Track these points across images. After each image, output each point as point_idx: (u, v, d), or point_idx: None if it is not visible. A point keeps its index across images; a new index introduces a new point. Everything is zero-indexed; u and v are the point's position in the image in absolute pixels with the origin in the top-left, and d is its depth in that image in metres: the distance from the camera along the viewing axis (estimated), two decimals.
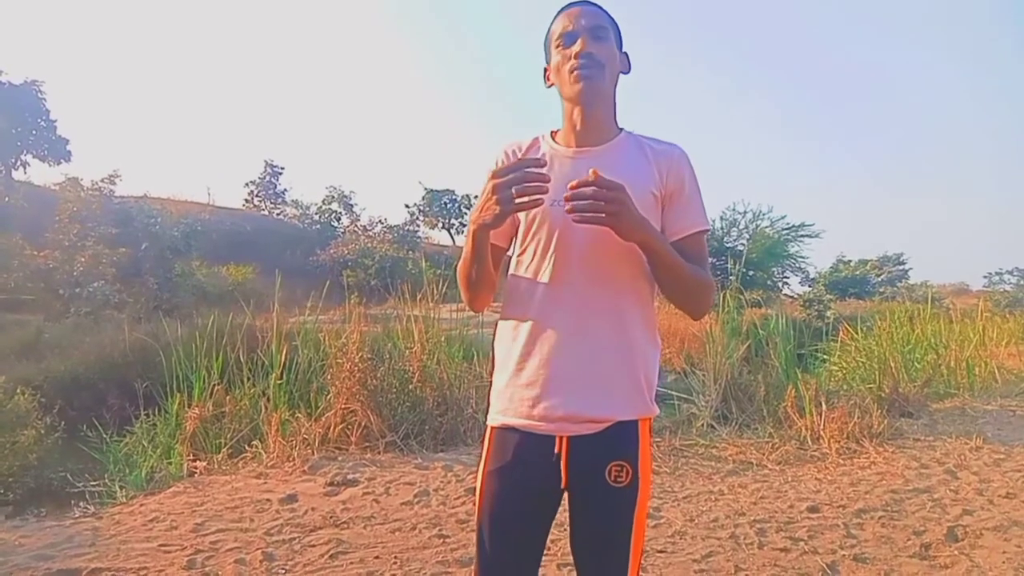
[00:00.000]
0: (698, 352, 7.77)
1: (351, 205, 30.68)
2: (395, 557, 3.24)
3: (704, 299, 1.59)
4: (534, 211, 1.50)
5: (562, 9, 1.58)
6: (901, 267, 32.32)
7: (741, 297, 8.41)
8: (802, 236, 21.82)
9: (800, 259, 22.44)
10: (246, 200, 31.56)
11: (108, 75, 57.93)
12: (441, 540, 3.44)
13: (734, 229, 22.26)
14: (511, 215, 1.41)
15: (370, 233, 28.46)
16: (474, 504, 1.63)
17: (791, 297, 21.49)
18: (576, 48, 1.51)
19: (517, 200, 1.35)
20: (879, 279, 30.54)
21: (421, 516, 3.79)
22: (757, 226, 21.96)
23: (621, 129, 1.61)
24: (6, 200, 17.38)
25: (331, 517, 3.75)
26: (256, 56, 66.04)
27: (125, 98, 57.28)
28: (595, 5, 1.58)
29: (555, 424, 1.49)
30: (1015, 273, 33.89)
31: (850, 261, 31.99)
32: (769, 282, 21.41)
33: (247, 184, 31.69)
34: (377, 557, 3.24)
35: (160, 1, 62.55)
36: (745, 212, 22.06)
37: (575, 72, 1.51)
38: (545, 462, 1.49)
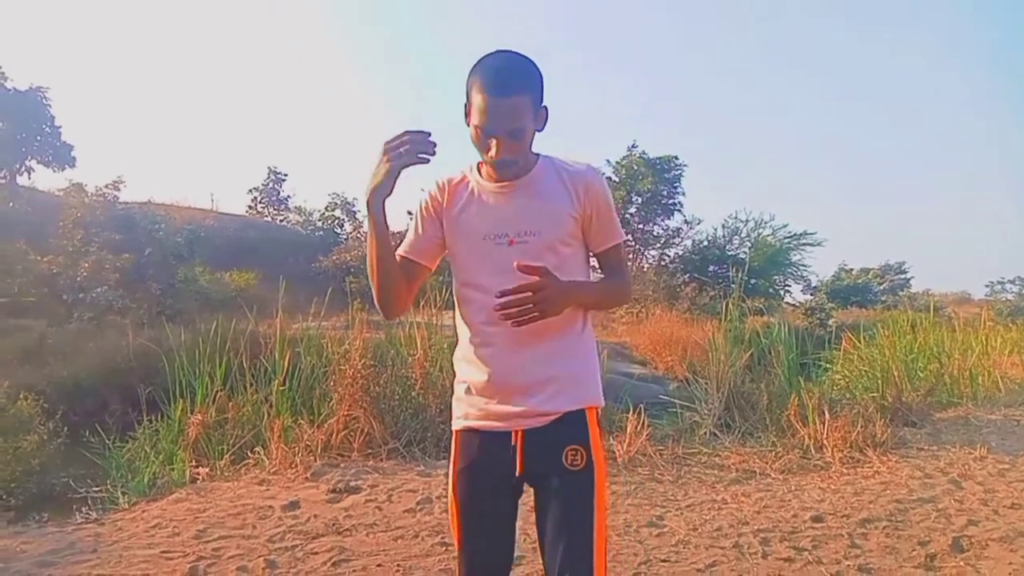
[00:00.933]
0: (700, 360, 7.75)
1: (354, 212, 30.63)
2: (398, 565, 3.23)
3: (625, 299, 1.90)
4: (469, 243, 1.69)
5: (485, 81, 1.56)
6: (903, 276, 32.32)
7: (743, 305, 8.41)
8: (804, 244, 21.82)
9: (802, 267, 22.42)
10: (249, 206, 31.62)
11: (113, 81, 58.15)
12: (444, 548, 3.43)
13: (736, 237, 22.28)
14: (398, 173, 1.56)
15: None
16: (449, 514, 1.77)
17: (793, 305, 21.47)
18: (492, 152, 1.60)
19: (411, 157, 1.54)
20: (881, 288, 30.51)
21: (424, 524, 3.78)
22: (759, 234, 21.97)
23: (538, 156, 1.72)
24: (10, 205, 17.43)
25: (334, 524, 3.75)
26: (260, 63, 66.33)
27: (129, 104, 57.52)
28: (516, 84, 1.56)
29: (510, 421, 1.66)
30: (1017, 282, 33.88)
31: (852, 269, 31.98)
32: (771, 290, 21.38)
33: (250, 190, 31.76)
34: (380, 565, 3.23)
35: (165, 7, 62.84)
36: (747, 220, 22.09)
37: (491, 166, 1.66)
38: (504, 455, 1.66)
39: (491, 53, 1.62)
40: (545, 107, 1.66)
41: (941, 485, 4.42)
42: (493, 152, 1.60)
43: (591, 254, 1.79)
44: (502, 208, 1.68)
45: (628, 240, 22.80)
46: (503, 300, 1.53)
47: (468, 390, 1.73)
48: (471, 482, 1.70)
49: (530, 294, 1.53)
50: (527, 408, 1.65)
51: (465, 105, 1.64)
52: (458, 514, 1.72)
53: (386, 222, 1.65)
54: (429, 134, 1.55)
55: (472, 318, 1.72)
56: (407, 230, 1.79)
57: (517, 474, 1.65)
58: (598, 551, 1.61)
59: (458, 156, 1.83)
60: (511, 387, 1.67)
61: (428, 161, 1.55)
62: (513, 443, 1.65)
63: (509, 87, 1.55)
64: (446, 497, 4.15)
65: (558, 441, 1.65)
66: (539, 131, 1.68)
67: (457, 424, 1.76)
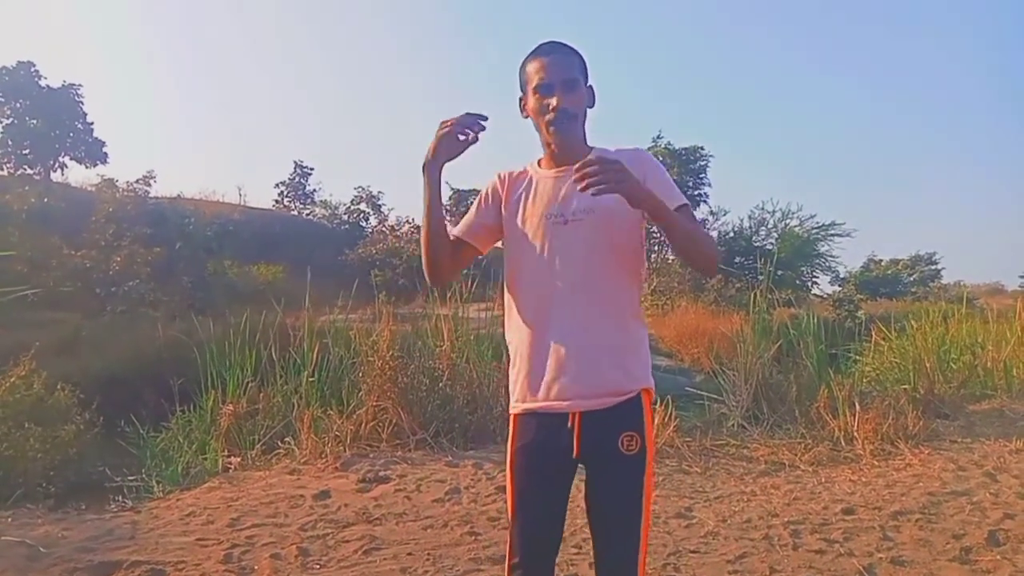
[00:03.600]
0: (727, 352, 7.69)
1: (379, 205, 30.82)
2: (428, 553, 3.26)
3: (711, 250, 1.80)
4: (528, 227, 1.76)
5: (537, 53, 1.78)
6: (933, 267, 31.67)
7: (771, 297, 8.32)
8: (832, 235, 21.45)
9: (830, 258, 22.06)
10: (276, 200, 31.91)
11: (142, 77, 58.97)
12: (473, 537, 3.46)
13: (763, 228, 21.99)
14: (456, 141, 1.72)
15: (398, 233, 28.58)
16: (506, 490, 1.83)
17: (821, 297, 21.18)
18: (552, 102, 1.72)
19: (459, 127, 1.70)
20: (911, 279, 30.00)
21: (452, 513, 3.81)
22: (786, 225, 21.66)
23: (591, 148, 1.81)
24: (44, 201, 17.74)
25: (364, 513, 3.79)
26: (286, 58, 66.74)
27: (159, 100, 58.25)
28: (566, 52, 1.77)
29: (568, 402, 1.69)
30: None
31: (881, 261, 31.43)
32: (798, 282, 21.09)
33: (277, 185, 32.03)
34: (410, 554, 3.27)
35: (194, 4, 63.49)
36: (774, 211, 21.77)
37: (552, 126, 1.73)
38: (561, 436, 1.70)
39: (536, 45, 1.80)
40: (591, 87, 1.82)
41: (975, 478, 4.35)
42: (555, 103, 1.70)
43: (658, 228, 1.72)
44: (558, 191, 1.75)
45: (652, 231, 22.74)
46: (581, 165, 1.53)
47: (523, 373, 1.77)
48: (528, 461, 1.75)
49: (608, 163, 1.53)
50: (583, 390, 1.69)
51: (520, 99, 1.82)
52: (514, 492, 1.76)
53: (438, 191, 1.78)
54: (483, 117, 1.72)
55: (526, 301, 1.78)
56: (468, 213, 1.90)
57: (573, 456, 1.70)
58: (644, 532, 1.69)
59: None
60: (566, 369, 1.70)
61: (470, 136, 1.72)
62: (570, 425, 1.69)
63: (560, 49, 1.77)
64: (474, 488, 4.21)
65: (614, 426, 1.69)
66: (590, 107, 1.81)
67: (515, 408, 1.80)
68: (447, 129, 1.70)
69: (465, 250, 1.87)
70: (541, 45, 1.79)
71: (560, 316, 1.71)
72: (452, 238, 1.85)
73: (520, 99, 1.82)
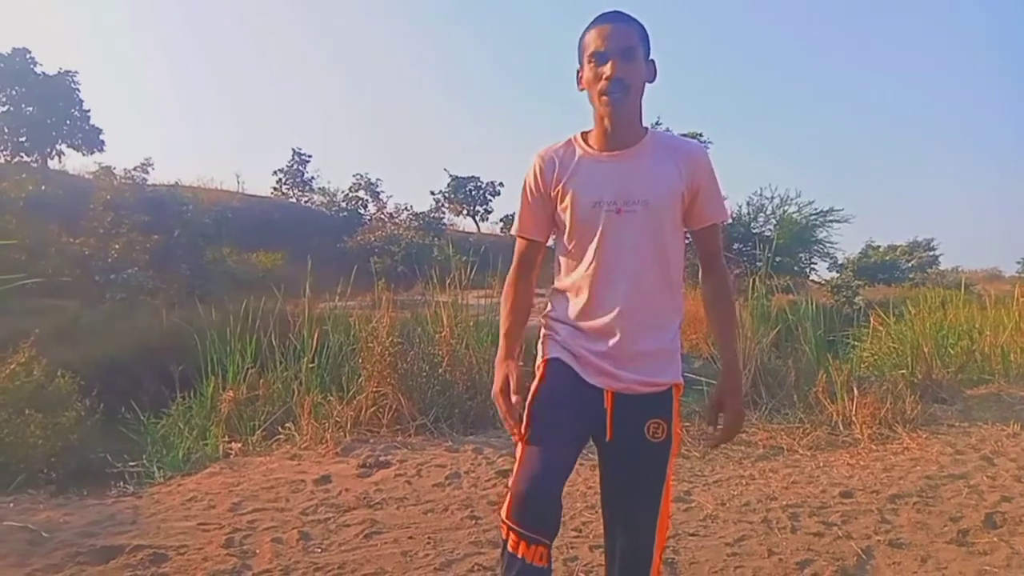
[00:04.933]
0: None
1: (377, 192, 30.82)
2: (428, 537, 3.28)
3: (734, 305, 1.94)
4: (580, 212, 1.74)
5: (596, 21, 1.72)
6: (931, 252, 31.67)
7: (770, 283, 8.34)
8: (830, 221, 21.41)
9: (828, 245, 22.03)
10: (274, 188, 31.84)
11: (139, 64, 58.63)
12: (473, 521, 3.48)
13: (761, 214, 21.94)
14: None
15: (396, 220, 28.58)
16: (507, 477, 1.88)
17: (819, 283, 21.19)
18: (607, 71, 1.66)
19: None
20: (909, 265, 29.98)
21: (453, 497, 3.83)
22: (784, 211, 21.61)
23: (646, 129, 1.78)
24: (42, 189, 17.69)
25: (364, 498, 3.81)
26: (284, 45, 66.36)
27: (156, 87, 57.95)
28: (626, 21, 1.71)
29: (602, 379, 1.72)
30: None
31: (879, 246, 31.37)
32: (796, 268, 21.09)
33: (275, 172, 31.97)
34: (411, 537, 3.28)
35: None
36: (772, 197, 21.70)
37: (604, 96, 1.67)
38: (591, 401, 1.72)
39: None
40: (653, 60, 1.76)
41: (973, 462, 4.37)
42: (609, 71, 1.65)
43: (689, 232, 1.83)
44: (611, 176, 1.72)
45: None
46: (719, 442, 1.87)
47: (571, 333, 1.77)
48: (553, 397, 1.74)
49: (737, 427, 1.84)
50: (619, 375, 1.72)
51: (577, 71, 1.76)
52: (529, 422, 1.73)
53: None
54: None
55: (577, 283, 1.77)
56: (519, 207, 1.87)
57: (607, 439, 1.73)
58: (661, 524, 1.74)
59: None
60: (606, 353, 1.72)
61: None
62: (605, 405, 1.72)
63: (620, 18, 1.71)
64: (474, 472, 4.23)
65: (644, 412, 1.73)
66: (650, 82, 1.76)
67: (551, 354, 1.79)
68: (504, 414, 1.73)
69: (537, 249, 1.88)
70: (601, 14, 1.73)
71: (607, 301, 1.72)
72: (523, 240, 1.86)
73: (577, 72, 1.76)
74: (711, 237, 1.82)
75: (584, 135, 1.80)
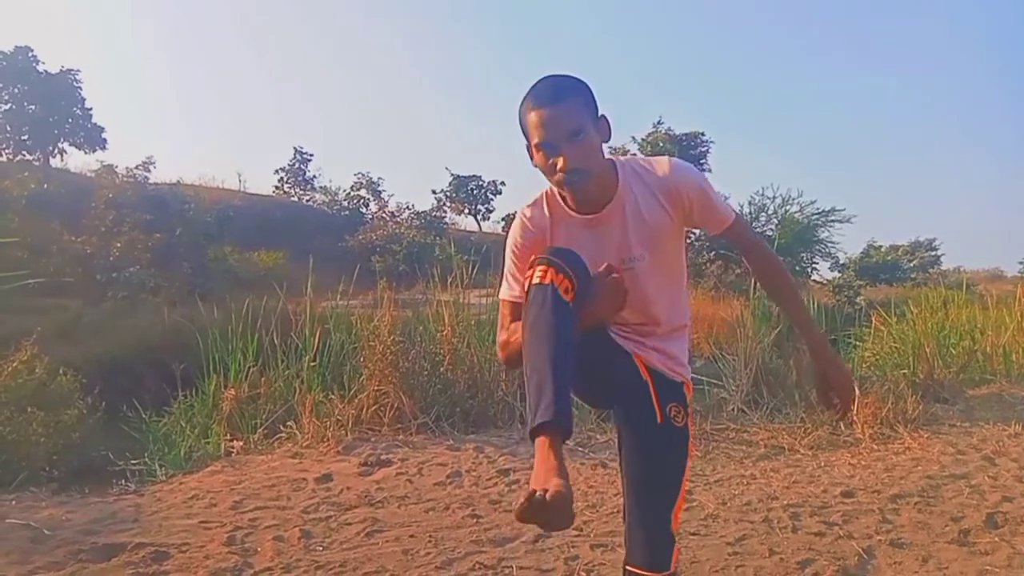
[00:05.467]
0: (727, 337, 7.71)
1: (379, 191, 30.78)
2: (430, 536, 3.28)
3: (786, 271, 1.89)
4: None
5: (533, 101, 1.58)
6: (933, 253, 31.60)
7: None
8: (832, 221, 21.43)
9: (830, 244, 22.05)
10: (276, 186, 31.81)
11: (141, 63, 58.69)
12: (474, 520, 3.48)
13: (763, 214, 21.95)
14: None
15: (398, 219, 28.59)
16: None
17: (820, 283, 21.18)
18: (559, 163, 1.56)
19: None
20: (911, 265, 29.93)
21: (454, 496, 3.84)
22: (786, 211, 21.63)
23: (615, 168, 1.67)
24: (44, 187, 17.73)
25: (366, 496, 3.81)
26: (285, 43, 66.34)
27: (158, 85, 58.00)
28: (563, 97, 1.57)
29: (634, 346, 1.76)
30: None
31: (881, 246, 31.31)
32: (798, 268, 21.10)
33: (277, 171, 31.93)
34: (412, 536, 3.29)
35: None
36: (774, 197, 21.73)
37: (566, 187, 1.61)
38: (632, 368, 1.75)
39: (534, 83, 1.63)
40: (604, 116, 1.66)
41: (974, 462, 4.37)
42: (561, 164, 1.56)
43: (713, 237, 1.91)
44: (599, 241, 1.68)
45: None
46: (842, 414, 1.83)
47: None
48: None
49: (850, 391, 1.79)
50: (650, 353, 1.77)
51: (527, 148, 1.65)
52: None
53: None
54: None
55: None
56: (508, 267, 1.79)
57: (658, 421, 1.71)
58: (678, 509, 1.73)
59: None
60: (637, 331, 1.78)
61: None
62: (643, 375, 1.74)
63: (558, 94, 1.57)
64: (475, 471, 4.23)
65: (668, 395, 1.75)
66: (605, 142, 1.67)
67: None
68: None
69: None
70: (536, 89, 1.60)
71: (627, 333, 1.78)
72: (511, 304, 1.75)
73: (527, 147, 1.66)
74: (733, 233, 1.77)
75: (561, 196, 1.71)
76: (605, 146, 1.66)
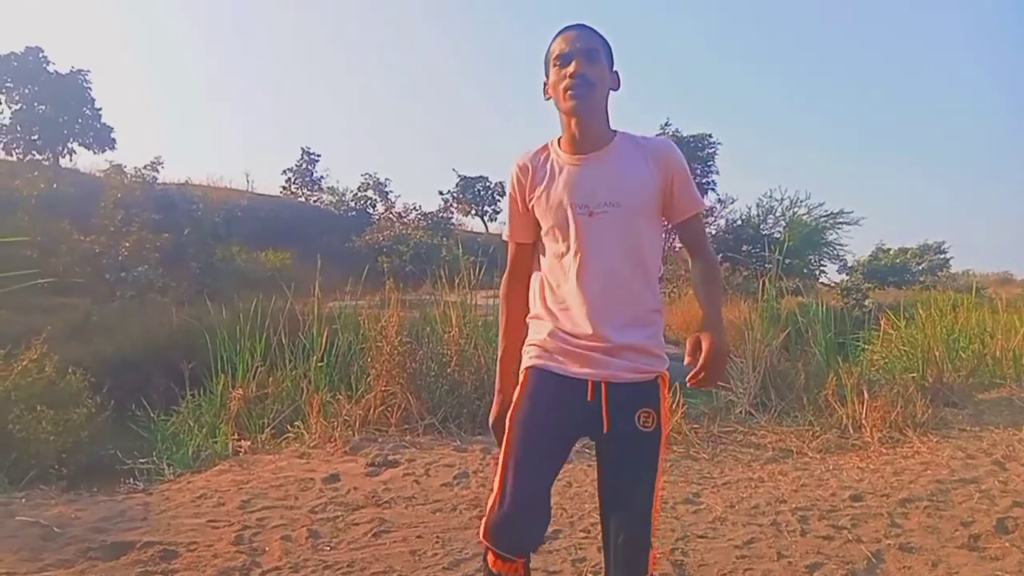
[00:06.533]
0: (735, 340, 7.68)
1: (386, 192, 30.84)
2: (437, 536, 3.28)
3: (721, 280, 1.95)
4: (553, 214, 1.78)
5: (560, 31, 1.80)
6: (942, 256, 31.48)
7: (779, 285, 8.30)
8: (840, 223, 21.36)
9: (838, 247, 21.97)
10: (283, 187, 31.94)
11: (150, 63, 58.97)
12: (481, 521, 3.47)
13: (771, 216, 21.91)
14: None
15: (404, 220, 28.59)
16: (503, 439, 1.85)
17: (828, 285, 21.09)
18: (570, 69, 1.72)
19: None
20: (919, 268, 29.82)
21: (461, 497, 3.84)
22: (794, 213, 21.56)
23: (615, 132, 1.82)
24: (54, 187, 17.82)
25: (373, 497, 3.82)
26: (293, 43, 66.60)
27: (166, 86, 58.27)
28: (590, 29, 1.79)
29: (588, 370, 1.74)
30: None
31: (889, 249, 31.23)
32: (806, 270, 21.03)
33: (284, 171, 32.07)
34: (419, 536, 3.29)
35: None
36: (782, 199, 21.68)
37: (569, 91, 1.72)
38: (575, 402, 1.74)
39: None
40: (617, 72, 1.82)
41: (984, 466, 4.34)
42: (572, 68, 1.71)
43: (671, 226, 1.87)
44: (582, 180, 1.76)
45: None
46: (695, 374, 1.67)
47: (549, 333, 1.80)
48: (533, 414, 1.76)
49: (720, 363, 1.68)
50: (611, 363, 1.74)
51: (544, 84, 1.82)
52: (510, 442, 1.76)
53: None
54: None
55: (556, 285, 1.81)
56: (508, 213, 1.95)
57: (604, 431, 1.74)
58: (655, 510, 1.75)
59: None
60: (593, 347, 1.74)
61: None
62: (591, 399, 1.73)
63: (584, 26, 1.79)
64: (482, 472, 4.22)
65: (634, 402, 1.75)
66: (614, 90, 1.81)
67: (529, 363, 1.82)
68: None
69: (530, 251, 1.92)
70: (567, 25, 1.79)
71: (585, 304, 1.75)
72: (513, 244, 1.93)
73: (544, 85, 1.82)
74: (693, 228, 1.86)
75: (559, 140, 1.84)
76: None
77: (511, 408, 1.80)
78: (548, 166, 1.82)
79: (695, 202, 1.82)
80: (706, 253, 1.89)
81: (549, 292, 1.83)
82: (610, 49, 1.80)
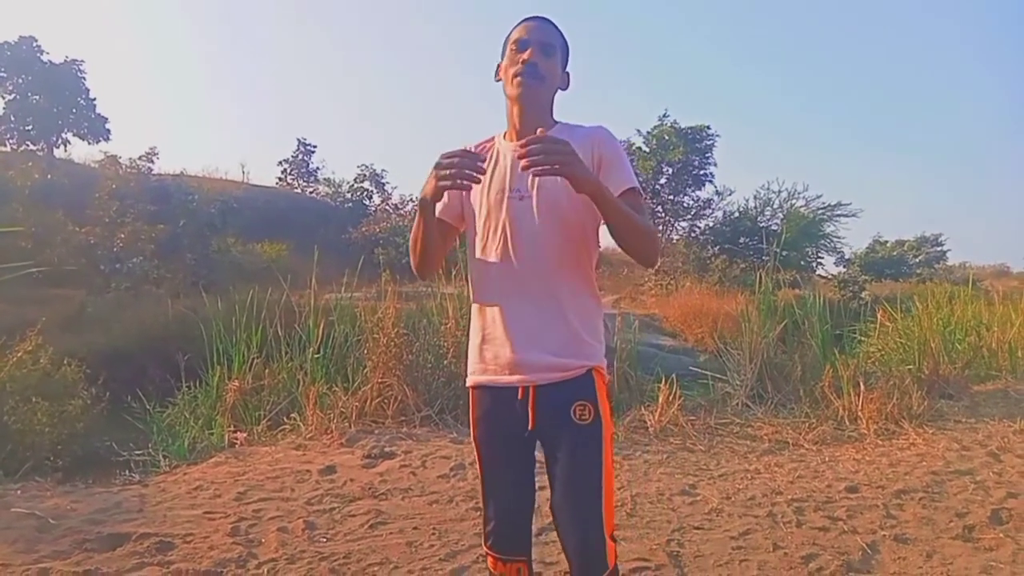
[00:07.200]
0: (732, 332, 7.69)
1: (382, 183, 30.76)
2: (433, 528, 3.29)
3: (652, 243, 1.77)
4: (488, 200, 1.77)
5: (524, 19, 1.81)
6: (939, 248, 31.56)
7: (776, 277, 8.30)
8: (838, 215, 21.37)
9: (835, 239, 21.98)
10: (279, 178, 31.81)
11: (145, 54, 58.63)
12: (478, 512, 3.46)
13: (768, 208, 21.89)
14: (445, 191, 1.69)
15: (401, 211, 28.53)
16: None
17: (825, 278, 21.11)
18: (524, 56, 1.73)
19: (453, 181, 1.60)
20: (916, 260, 29.88)
21: (458, 489, 3.84)
22: (792, 205, 21.55)
23: (556, 122, 1.82)
24: (48, 178, 17.66)
25: (369, 488, 3.82)
26: (289, 33, 66.27)
27: (161, 76, 57.96)
28: (552, 24, 1.81)
29: (518, 376, 1.73)
30: None
31: (887, 242, 31.29)
32: (803, 262, 21.02)
33: (280, 162, 31.95)
34: (416, 528, 3.29)
35: None
36: (780, 191, 21.66)
37: (517, 78, 1.73)
38: (513, 410, 1.74)
39: None
40: (568, 73, 1.85)
41: (979, 458, 4.36)
42: (527, 55, 1.73)
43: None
44: (516, 164, 1.69)
45: (658, 211, 22.63)
46: (527, 142, 1.51)
47: (476, 347, 1.83)
48: (486, 432, 1.82)
49: (555, 143, 1.51)
50: (536, 364, 1.72)
51: (497, 66, 1.83)
52: (480, 461, 1.85)
53: (433, 219, 1.78)
54: (482, 160, 1.64)
55: (484, 275, 1.80)
56: None
57: (529, 429, 1.73)
58: (607, 504, 1.69)
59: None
60: (516, 346, 1.73)
61: (469, 188, 1.66)
62: (521, 398, 1.73)
63: (547, 21, 1.81)
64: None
65: (567, 398, 1.71)
66: (562, 89, 1.83)
67: (470, 380, 1.86)
68: (447, 182, 1.61)
69: (448, 230, 1.89)
70: (530, 16, 1.81)
71: (512, 292, 1.74)
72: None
73: (497, 66, 1.83)
74: (630, 205, 1.72)
75: (505, 133, 1.85)
76: (560, 95, 1.83)
77: (471, 431, 1.85)
78: (493, 152, 1.83)
79: (625, 178, 1.74)
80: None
81: (479, 285, 1.83)
82: (567, 49, 1.83)
